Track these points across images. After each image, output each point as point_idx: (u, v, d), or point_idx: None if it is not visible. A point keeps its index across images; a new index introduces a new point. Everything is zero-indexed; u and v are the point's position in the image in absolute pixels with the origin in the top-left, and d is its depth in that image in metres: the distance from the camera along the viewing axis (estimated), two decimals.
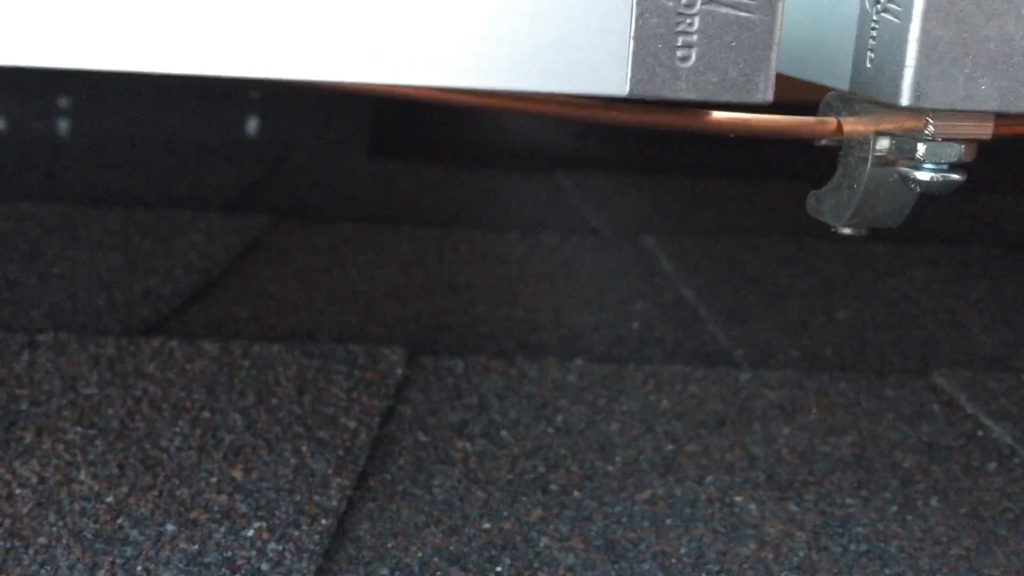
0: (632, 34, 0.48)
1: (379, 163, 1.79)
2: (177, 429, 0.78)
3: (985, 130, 0.53)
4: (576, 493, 0.74)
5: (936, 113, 0.52)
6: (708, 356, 1.02)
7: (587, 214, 1.53)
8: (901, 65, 0.50)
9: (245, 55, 0.47)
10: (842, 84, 0.57)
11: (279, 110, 1.86)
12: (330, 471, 0.73)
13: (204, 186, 1.57)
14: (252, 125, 1.85)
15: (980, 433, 0.87)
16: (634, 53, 0.48)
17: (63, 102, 1.80)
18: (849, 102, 0.58)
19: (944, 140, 0.53)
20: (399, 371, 0.91)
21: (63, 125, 1.81)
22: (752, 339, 1.07)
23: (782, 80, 0.65)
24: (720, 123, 0.56)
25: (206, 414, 0.80)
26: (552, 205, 1.58)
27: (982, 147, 0.55)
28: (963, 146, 0.53)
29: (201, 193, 1.53)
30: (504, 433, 0.82)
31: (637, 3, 0.47)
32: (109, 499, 0.68)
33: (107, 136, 1.82)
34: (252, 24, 0.46)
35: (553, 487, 0.75)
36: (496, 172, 1.77)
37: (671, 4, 0.48)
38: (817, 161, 0.67)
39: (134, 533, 0.65)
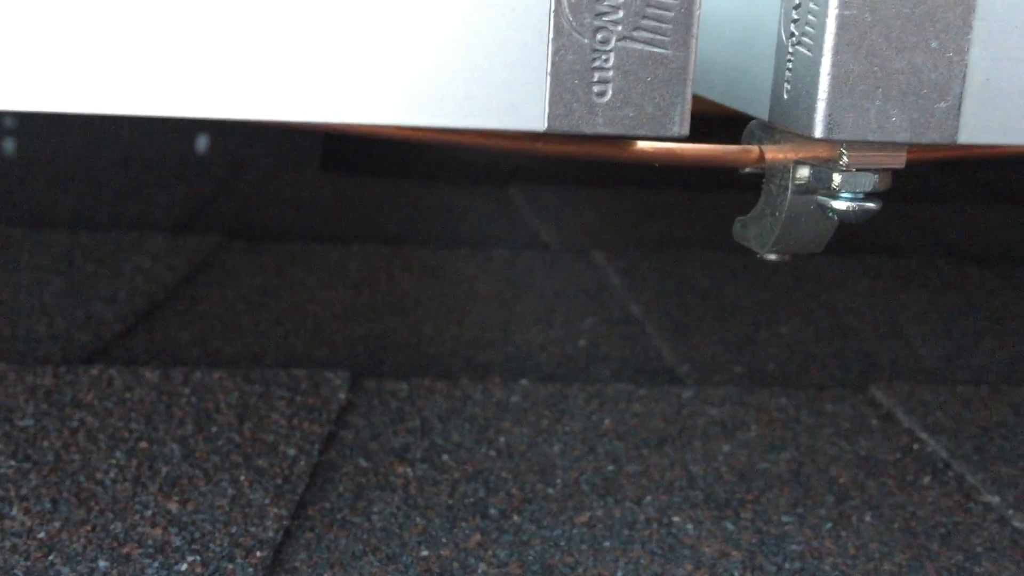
0: (549, 71, 0.49)
1: (331, 179, 1.79)
2: (113, 460, 0.77)
3: (898, 160, 0.54)
4: (515, 517, 0.75)
5: (850, 144, 0.53)
6: (653, 373, 1.03)
7: (539, 229, 1.54)
8: (814, 97, 0.52)
9: (179, 97, 0.47)
10: (762, 113, 0.58)
11: (230, 127, 1.85)
12: (267, 501, 0.73)
13: (152, 206, 1.56)
14: (202, 142, 1.83)
15: (915, 447, 0.89)
16: (551, 89, 0.49)
17: (7, 121, 1.77)
18: (770, 131, 0.59)
19: (858, 170, 0.54)
20: (341, 395, 0.90)
21: (8, 144, 1.78)
22: (697, 355, 1.08)
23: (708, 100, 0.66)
24: (646, 153, 0.57)
25: (143, 444, 0.80)
26: (505, 220, 1.59)
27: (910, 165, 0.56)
28: (877, 175, 0.54)
29: (149, 213, 1.51)
30: (446, 457, 0.82)
31: (553, 40, 0.48)
32: (41, 535, 0.68)
33: (53, 155, 1.80)
34: (189, 67, 0.46)
35: (492, 511, 0.75)
36: (451, 186, 1.78)
37: (587, 41, 0.48)
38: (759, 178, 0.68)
39: (65, 570, 0.64)
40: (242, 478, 0.76)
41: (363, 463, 0.80)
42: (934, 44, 0.52)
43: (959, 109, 0.52)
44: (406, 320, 1.13)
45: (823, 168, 0.55)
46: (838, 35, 0.51)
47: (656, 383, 0.99)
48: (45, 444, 0.79)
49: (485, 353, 1.06)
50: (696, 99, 0.52)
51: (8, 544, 0.66)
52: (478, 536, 0.72)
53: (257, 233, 1.44)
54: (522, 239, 1.48)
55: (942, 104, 0.52)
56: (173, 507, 0.71)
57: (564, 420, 0.90)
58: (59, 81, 0.46)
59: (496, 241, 1.45)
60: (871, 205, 0.54)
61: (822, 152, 0.55)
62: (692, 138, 0.55)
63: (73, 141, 1.80)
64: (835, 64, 0.51)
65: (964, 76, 0.52)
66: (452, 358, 1.04)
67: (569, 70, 0.49)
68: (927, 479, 0.83)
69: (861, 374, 1.05)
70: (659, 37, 0.49)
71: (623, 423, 0.90)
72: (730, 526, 0.75)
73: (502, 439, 0.86)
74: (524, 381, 0.97)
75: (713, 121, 0.77)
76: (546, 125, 0.49)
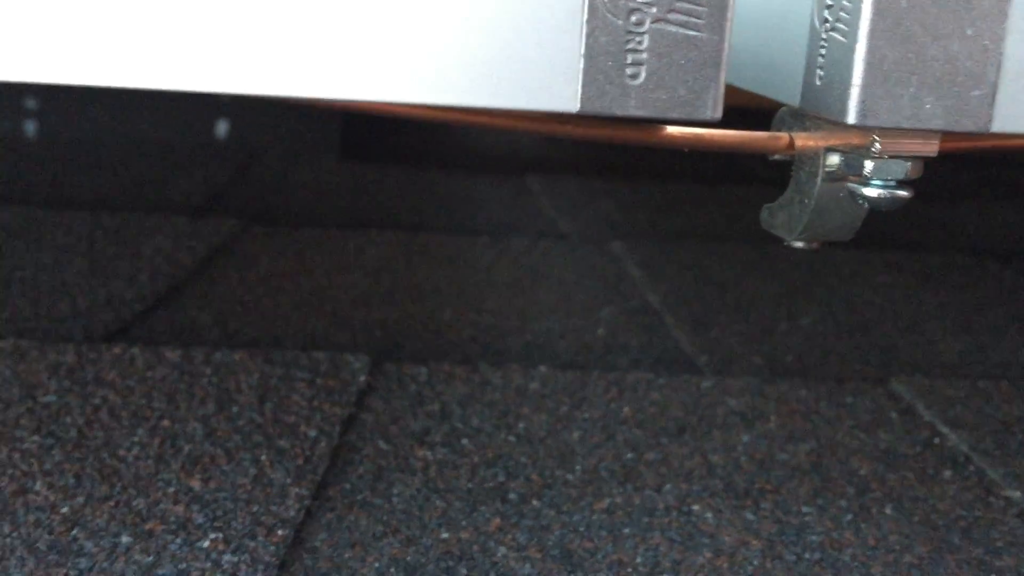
0: (583, 52, 0.48)
1: (349, 167, 1.79)
2: (136, 438, 0.77)
3: (931, 147, 0.54)
4: (535, 502, 0.75)
5: (883, 131, 0.53)
6: (672, 363, 1.03)
7: (557, 218, 1.54)
8: (848, 83, 0.51)
9: (204, 71, 0.47)
10: (793, 100, 0.58)
11: (250, 113, 1.85)
12: (289, 481, 0.73)
13: (172, 190, 1.56)
14: (222, 128, 1.84)
15: (936, 440, 0.88)
16: (584, 71, 0.49)
17: (30, 104, 1.78)
18: (801, 118, 0.58)
19: (891, 157, 0.54)
20: (362, 378, 0.91)
21: (30, 127, 1.79)
22: (716, 346, 1.08)
23: (740, 90, 0.65)
24: (675, 138, 0.57)
25: (165, 423, 0.80)
26: (522, 209, 1.59)
27: (942, 156, 0.56)
28: (910, 163, 0.54)
29: (169, 197, 1.52)
30: (465, 441, 0.82)
31: (587, 22, 0.48)
32: (64, 510, 0.68)
33: (74, 139, 1.81)
34: (214, 41, 0.46)
35: (512, 496, 0.75)
36: (468, 175, 1.78)
37: (621, 23, 0.48)
38: (784, 167, 0.68)
39: (88, 544, 0.64)
40: (263, 458, 0.76)
41: (383, 445, 0.80)
42: (969, 32, 0.51)
43: (993, 97, 0.52)
44: (424, 306, 1.13)
45: (855, 155, 0.55)
46: (873, 21, 0.50)
47: (675, 373, 0.99)
48: (68, 420, 0.79)
49: (504, 340, 1.06)
50: (726, 90, 0.52)
51: (32, 518, 0.67)
52: (498, 520, 0.72)
53: (276, 218, 1.44)
54: (540, 228, 1.48)
55: (976, 92, 0.52)
56: (195, 485, 0.72)
57: (583, 407, 0.90)
58: (80, 54, 0.46)
59: (514, 230, 1.45)
60: (903, 193, 0.54)
61: (854, 139, 0.55)
62: (721, 127, 0.55)
63: (95, 125, 1.81)
64: (870, 50, 0.51)
65: (999, 64, 0.52)
66: (471, 344, 1.04)
67: (603, 51, 0.48)
68: (948, 473, 0.83)
69: (881, 367, 1.04)
70: (693, 20, 0.49)
71: (642, 411, 0.90)
72: (750, 515, 0.75)
73: (521, 425, 0.86)
74: (543, 368, 0.97)
75: (739, 113, 0.77)
76: (579, 106, 0.49)
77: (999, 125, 0.53)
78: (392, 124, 2.20)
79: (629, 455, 0.82)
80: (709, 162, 1.99)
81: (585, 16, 0.48)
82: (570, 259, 1.33)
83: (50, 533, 0.65)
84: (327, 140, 1.86)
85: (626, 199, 1.67)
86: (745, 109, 0.78)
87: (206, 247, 1.26)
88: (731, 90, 0.65)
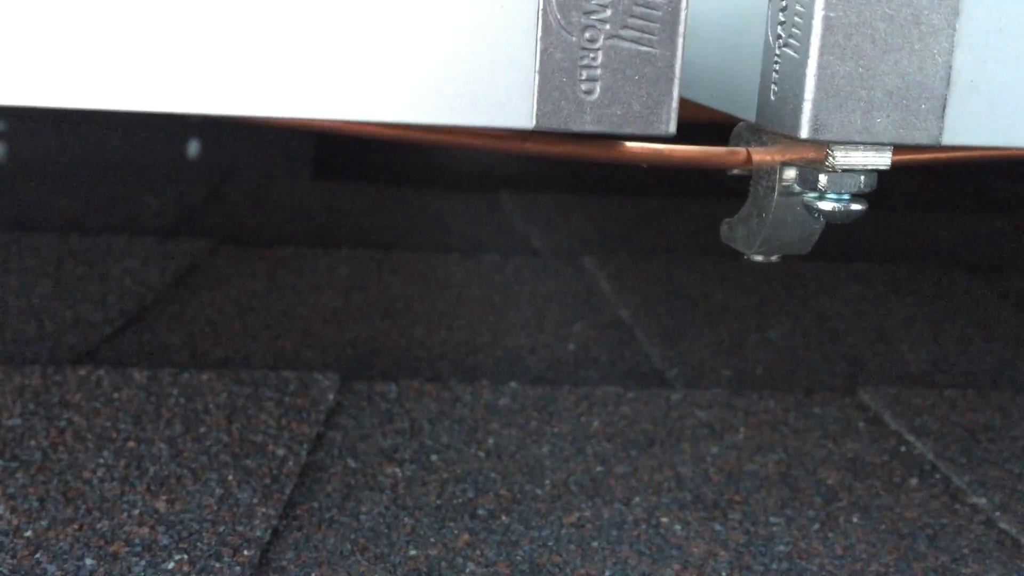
0: (537, 69, 0.49)
1: (322, 185, 1.79)
2: (101, 460, 0.77)
3: (884, 160, 0.55)
4: (504, 517, 0.75)
5: (836, 145, 0.54)
6: (642, 376, 1.03)
7: (529, 235, 1.54)
8: (800, 98, 0.52)
9: (163, 92, 0.47)
10: (750, 115, 0.58)
11: (221, 132, 1.85)
12: (256, 500, 0.73)
13: (143, 210, 1.55)
14: (193, 148, 1.83)
15: (903, 449, 0.89)
16: (539, 87, 0.49)
17: None
18: (758, 133, 0.59)
19: (845, 171, 0.54)
20: (331, 397, 0.90)
21: None
22: (685, 359, 1.08)
23: (697, 104, 0.66)
24: (634, 153, 0.57)
25: (131, 444, 0.80)
26: (495, 226, 1.59)
27: (897, 168, 0.57)
28: (863, 176, 0.54)
29: (139, 217, 1.51)
30: (434, 458, 0.82)
31: (541, 38, 0.48)
32: (28, 533, 0.67)
33: (44, 159, 1.80)
34: (178, 62, 0.46)
35: (481, 512, 0.75)
36: (441, 193, 1.78)
37: (575, 39, 0.49)
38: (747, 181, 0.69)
39: (52, 568, 0.64)
40: (230, 478, 0.76)
41: (352, 463, 0.80)
42: (919, 47, 0.52)
43: (943, 110, 0.53)
44: (396, 324, 1.13)
45: (809, 169, 0.56)
46: (824, 37, 0.51)
47: (645, 386, 1.00)
48: (32, 443, 0.79)
49: (474, 356, 1.06)
50: (684, 104, 0.53)
51: None
52: (467, 536, 0.72)
53: (247, 238, 1.44)
54: (512, 245, 1.48)
55: (926, 106, 0.53)
56: (161, 506, 0.71)
57: (553, 422, 0.90)
58: (54, 76, 0.46)
59: (486, 247, 1.46)
60: (857, 206, 0.55)
61: (809, 153, 0.55)
62: (680, 142, 0.56)
63: (65, 145, 1.80)
64: (821, 66, 0.51)
65: (948, 78, 0.53)
66: (441, 361, 1.04)
67: (557, 68, 0.49)
68: (914, 481, 0.84)
69: (849, 378, 1.05)
70: (647, 36, 0.49)
71: (611, 425, 0.90)
72: (718, 527, 0.75)
73: (491, 440, 0.86)
74: (513, 384, 0.98)
75: (700, 128, 0.77)
76: (534, 123, 0.50)
77: (949, 138, 0.54)
78: (364, 143, 2.20)
79: (598, 469, 0.82)
80: (677, 177, 2.01)
81: (539, 33, 0.48)
82: (541, 275, 1.34)
83: (13, 557, 0.65)
84: (299, 159, 1.86)
85: (597, 214, 1.68)
86: (710, 124, 0.78)
87: (176, 268, 1.26)
88: (693, 105, 0.66)
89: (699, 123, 0.79)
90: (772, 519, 0.77)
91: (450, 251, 1.41)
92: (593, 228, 1.60)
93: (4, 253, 1.27)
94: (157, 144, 1.82)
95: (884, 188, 0.56)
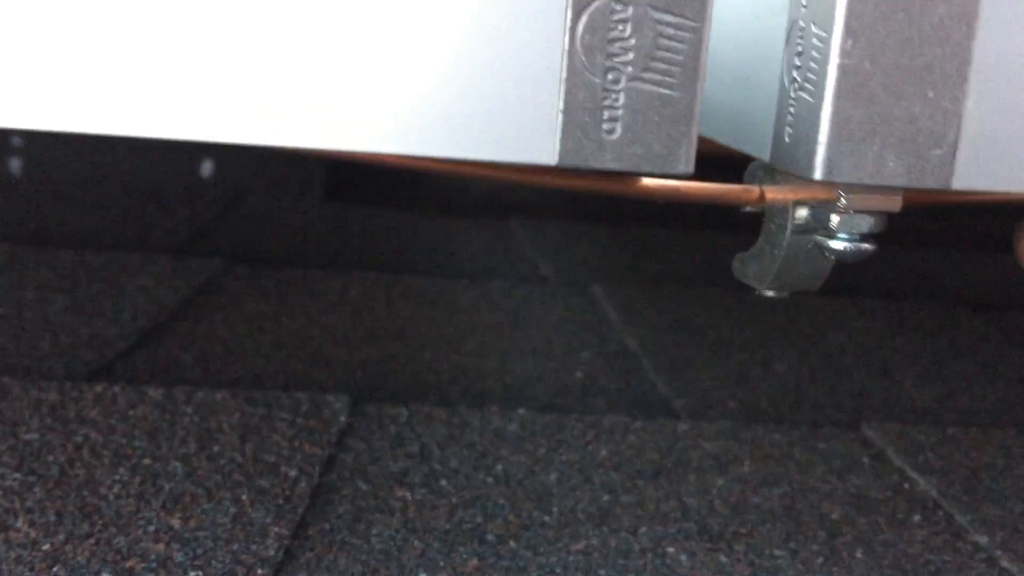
0: (561, 108, 0.51)
1: (333, 208, 1.81)
2: (117, 476, 0.78)
3: (894, 203, 0.56)
4: (512, 543, 0.76)
5: (848, 187, 0.55)
6: (649, 406, 1.05)
7: (538, 262, 1.56)
8: (814, 141, 0.54)
9: (188, 120, 0.49)
10: (764, 155, 0.60)
11: (235, 153, 1.87)
12: (269, 520, 0.74)
13: (156, 229, 1.57)
14: (207, 168, 1.86)
15: (906, 486, 0.90)
16: (563, 125, 0.51)
17: (15, 141, 1.79)
18: (771, 172, 0.61)
19: (856, 212, 0.56)
20: (342, 419, 0.92)
21: (14, 164, 1.80)
22: (692, 389, 1.09)
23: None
24: (650, 189, 0.59)
25: (147, 461, 0.81)
26: (505, 252, 1.61)
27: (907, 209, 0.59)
28: (874, 218, 0.56)
29: (153, 236, 1.53)
30: (444, 482, 0.83)
31: (566, 79, 0.50)
32: (46, 547, 0.68)
33: (59, 176, 1.82)
34: (199, 92, 0.48)
35: (490, 537, 0.76)
36: (451, 219, 1.80)
37: (598, 80, 0.51)
38: (758, 218, 0.70)
39: None
40: (244, 497, 0.77)
41: (363, 486, 0.81)
42: (931, 94, 0.54)
43: (954, 156, 0.54)
44: (406, 348, 1.14)
45: (822, 209, 0.57)
46: (839, 82, 0.53)
47: (651, 416, 1.01)
48: (50, 458, 0.80)
49: (483, 381, 1.07)
50: (702, 140, 0.55)
51: (13, 555, 0.67)
52: (475, 561, 0.73)
53: (259, 258, 1.45)
54: (521, 272, 1.50)
55: (937, 151, 0.54)
56: (176, 523, 0.72)
57: (560, 450, 0.91)
58: (70, 102, 0.47)
59: (496, 273, 1.47)
60: (867, 246, 0.56)
61: (821, 194, 0.57)
62: (696, 177, 0.57)
63: (80, 163, 1.82)
64: (835, 110, 0.53)
65: (959, 125, 0.54)
66: (451, 386, 1.05)
67: (581, 108, 0.51)
68: (917, 518, 0.85)
69: (853, 413, 1.06)
70: (667, 79, 0.51)
71: (619, 454, 0.91)
72: (723, 558, 0.76)
73: (500, 467, 0.87)
74: (522, 410, 0.99)
75: (716, 162, 0.79)
76: (557, 159, 0.51)
77: (959, 183, 0.55)
78: (376, 167, 2.22)
79: (606, 497, 0.83)
80: (688, 209, 2.02)
81: (564, 74, 0.50)
82: (551, 302, 1.35)
83: (31, 570, 0.66)
84: (311, 181, 1.88)
85: (606, 244, 1.70)
86: (727, 159, 0.80)
87: (189, 286, 1.27)
88: (709, 142, 0.67)
89: (710, 156, 0.81)
90: (776, 551, 0.78)
91: (460, 276, 1.43)
92: (603, 257, 1.61)
93: (21, 268, 1.29)
94: (171, 163, 1.85)
95: (891, 225, 0.58)
